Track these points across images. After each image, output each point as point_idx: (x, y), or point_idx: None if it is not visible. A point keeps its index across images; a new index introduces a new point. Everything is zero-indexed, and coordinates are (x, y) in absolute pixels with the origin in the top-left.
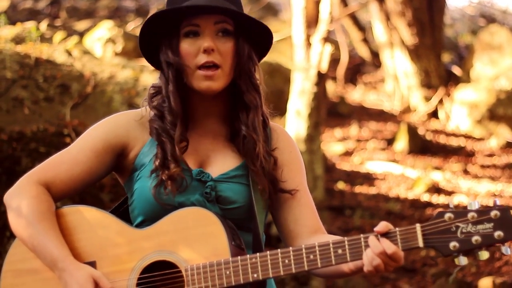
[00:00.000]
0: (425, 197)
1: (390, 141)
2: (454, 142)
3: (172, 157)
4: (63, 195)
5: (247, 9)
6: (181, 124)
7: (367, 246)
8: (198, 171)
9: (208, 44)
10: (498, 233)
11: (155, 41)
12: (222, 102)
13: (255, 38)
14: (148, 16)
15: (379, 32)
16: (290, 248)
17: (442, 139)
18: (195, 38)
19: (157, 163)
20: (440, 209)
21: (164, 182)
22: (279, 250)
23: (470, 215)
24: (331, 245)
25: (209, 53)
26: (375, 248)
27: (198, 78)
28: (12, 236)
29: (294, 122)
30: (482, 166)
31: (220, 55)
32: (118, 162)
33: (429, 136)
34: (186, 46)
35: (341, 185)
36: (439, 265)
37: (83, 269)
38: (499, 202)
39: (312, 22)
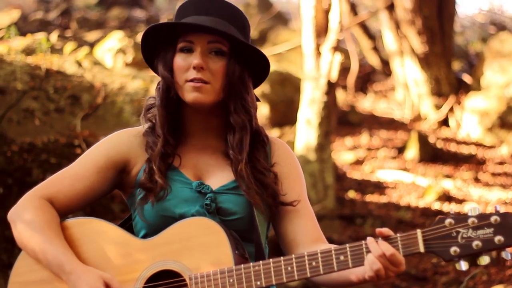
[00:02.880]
0: (436, 206)
1: (400, 150)
2: (464, 150)
3: (158, 170)
4: (67, 210)
5: (256, 19)
6: (166, 138)
7: (368, 251)
8: (198, 183)
9: (197, 62)
10: (498, 238)
11: (155, 53)
12: (217, 117)
13: (251, 64)
14: (146, 28)
15: (389, 40)
16: (293, 255)
17: (452, 147)
18: (188, 54)
19: (143, 177)
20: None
21: (147, 196)
22: (281, 257)
23: (470, 220)
24: (333, 251)
25: (199, 70)
26: (374, 251)
27: (186, 90)
28: None
29: (305, 131)
30: (493, 174)
31: (210, 73)
32: (121, 178)
33: (439, 144)
34: (179, 60)
35: (352, 194)
36: (450, 273)
37: (92, 271)
38: (500, 207)
39: (321, 31)
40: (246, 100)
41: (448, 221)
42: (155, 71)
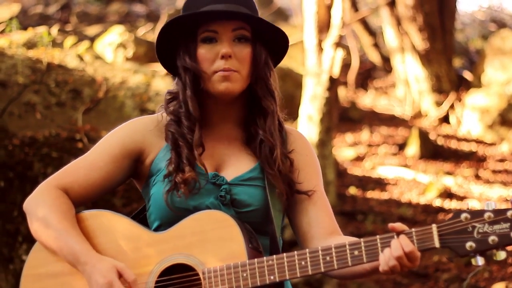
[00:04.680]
0: (437, 202)
1: (401, 146)
2: (465, 147)
3: (187, 161)
4: (82, 200)
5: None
6: (199, 129)
7: (383, 247)
8: (213, 175)
9: (226, 50)
10: None
11: (171, 46)
12: (238, 107)
13: (271, 43)
14: (166, 21)
15: (390, 37)
16: (307, 250)
17: (453, 144)
18: (213, 44)
19: (170, 167)
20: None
21: (177, 185)
22: (295, 252)
23: (486, 215)
24: (347, 246)
25: (227, 59)
26: (395, 251)
27: (216, 81)
28: (25, 241)
29: (306, 127)
30: (494, 171)
31: (237, 61)
32: (136, 168)
33: (440, 141)
34: (204, 51)
35: (353, 190)
36: (452, 270)
37: (105, 260)
38: None
39: (323, 27)
40: (270, 83)
41: (464, 215)
42: (172, 66)
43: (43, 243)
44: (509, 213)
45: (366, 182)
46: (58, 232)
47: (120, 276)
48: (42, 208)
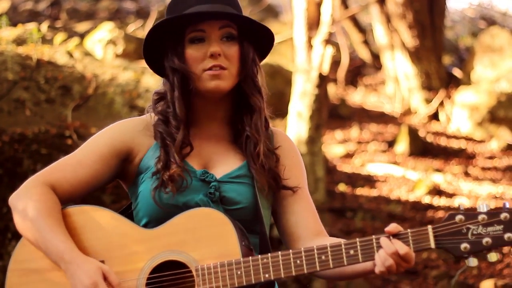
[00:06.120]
0: (426, 199)
1: (391, 143)
2: (454, 144)
3: (174, 159)
4: (69, 197)
5: (247, 11)
6: (184, 129)
7: (379, 247)
8: (202, 172)
9: (214, 49)
10: (508, 235)
11: (159, 48)
12: (225, 105)
13: (256, 40)
14: (154, 23)
15: (380, 34)
16: (302, 248)
17: (442, 141)
18: (201, 44)
19: (159, 165)
20: (441, 211)
21: (165, 183)
22: (290, 250)
23: (480, 217)
24: (343, 246)
25: (216, 57)
26: (387, 249)
27: (206, 79)
28: (14, 238)
29: (295, 124)
30: (483, 168)
31: (226, 59)
32: (123, 167)
33: (430, 138)
34: (192, 51)
35: (342, 187)
36: (441, 267)
37: (91, 262)
38: (508, 204)
39: (313, 24)
40: (258, 80)
41: (458, 217)
42: (160, 67)
43: (28, 239)
44: (502, 216)
45: (356, 179)
46: (43, 230)
47: (105, 278)
48: (28, 204)
